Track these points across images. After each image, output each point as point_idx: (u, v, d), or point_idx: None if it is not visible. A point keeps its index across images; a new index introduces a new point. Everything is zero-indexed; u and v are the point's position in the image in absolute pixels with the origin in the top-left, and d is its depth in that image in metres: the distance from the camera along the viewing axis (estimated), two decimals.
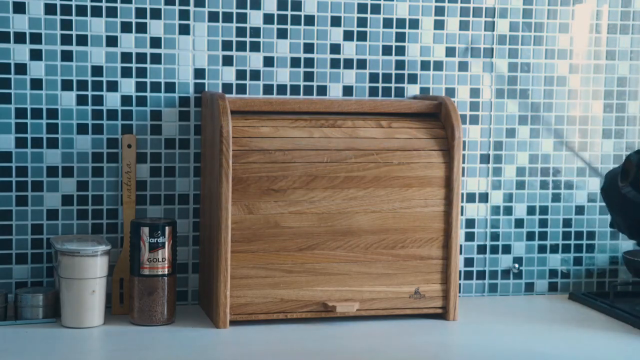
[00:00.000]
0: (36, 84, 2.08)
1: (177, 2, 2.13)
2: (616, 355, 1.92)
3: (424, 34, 2.27)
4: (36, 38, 2.07)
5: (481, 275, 2.34)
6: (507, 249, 2.35)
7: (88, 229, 2.12)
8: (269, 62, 2.19)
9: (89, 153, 2.12)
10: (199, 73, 2.16)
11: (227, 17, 2.16)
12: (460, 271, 2.27)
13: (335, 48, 2.23)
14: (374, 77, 2.25)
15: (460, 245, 2.27)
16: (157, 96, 2.14)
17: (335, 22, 2.22)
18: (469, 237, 2.32)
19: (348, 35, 2.23)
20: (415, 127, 2.10)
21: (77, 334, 1.94)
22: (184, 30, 2.14)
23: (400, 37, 2.26)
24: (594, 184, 2.39)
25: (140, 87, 2.13)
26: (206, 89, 2.16)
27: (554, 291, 2.38)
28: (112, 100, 2.12)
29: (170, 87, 2.14)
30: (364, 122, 2.08)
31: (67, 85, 2.09)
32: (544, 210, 2.36)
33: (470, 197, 2.32)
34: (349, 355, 1.87)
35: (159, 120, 2.14)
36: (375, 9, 2.24)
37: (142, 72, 2.13)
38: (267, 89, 2.20)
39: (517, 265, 2.35)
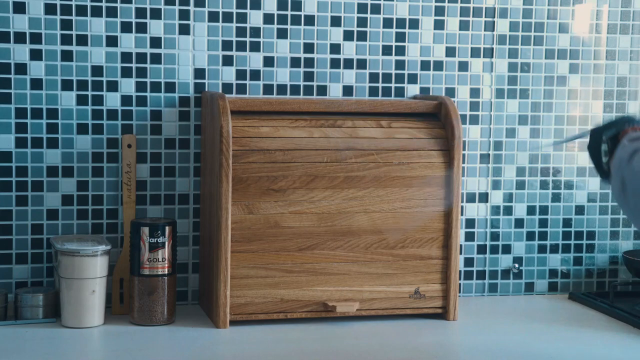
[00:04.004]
0: (36, 84, 2.08)
1: (177, 2, 2.13)
2: (616, 355, 1.92)
3: (424, 34, 2.27)
4: (36, 38, 2.07)
5: (481, 275, 2.34)
6: (507, 249, 2.35)
7: (88, 229, 2.12)
8: (269, 62, 2.19)
9: (89, 153, 2.12)
10: (199, 73, 2.16)
11: (227, 17, 2.16)
12: (460, 271, 2.27)
13: (335, 48, 2.23)
14: (374, 77, 2.25)
15: (460, 245, 2.27)
16: (157, 96, 2.14)
17: (335, 22, 2.22)
18: (469, 237, 2.32)
19: (348, 35, 2.23)
20: (415, 127, 2.10)
21: (77, 334, 1.94)
22: (184, 30, 2.14)
23: (400, 37, 2.26)
24: (594, 184, 2.39)
25: (140, 87, 2.13)
26: (206, 89, 2.16)
27: (554, 291, 2.38)
28: (112, 100, 2.12)
29: (170, 87, 2.15)
30: (364, 122, 2.08)
31: (67, 85, 2.09)
32: (544, 210, 2.36)
33: (470, 197, 2.32)
34: (349, 355, 1.87)
35: (159, 120, 2.14)
36: (375, 9, 2.24)
37: (142, 72, 2.13)
38: (267, 89, 2.20)
39: (517, 265, 2.35)
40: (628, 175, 1.57)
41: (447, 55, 2.28)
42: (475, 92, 2.31)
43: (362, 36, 2.24)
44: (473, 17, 2.29)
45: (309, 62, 2.21)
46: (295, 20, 2.20)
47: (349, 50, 2.24)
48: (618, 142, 1.69)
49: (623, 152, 1.63)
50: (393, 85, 2.26)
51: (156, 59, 2.13)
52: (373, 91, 2.25)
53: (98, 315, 1.99)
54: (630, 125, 1.71)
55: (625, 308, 2.18)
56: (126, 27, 2.11)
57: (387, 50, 2.25)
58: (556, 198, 2.37)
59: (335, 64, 2.23)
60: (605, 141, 1.72)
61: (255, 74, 2.19)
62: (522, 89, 2.33)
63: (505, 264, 2.35)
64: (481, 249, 2.34)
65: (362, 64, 2.24)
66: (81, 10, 2.09)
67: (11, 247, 2.10)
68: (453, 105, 2.10)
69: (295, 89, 2.21)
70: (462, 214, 2.28)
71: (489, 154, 2.33)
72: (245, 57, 2.18)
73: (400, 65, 2.26)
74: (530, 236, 2.36)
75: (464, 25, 2.29)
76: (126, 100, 2.12)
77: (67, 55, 2.09)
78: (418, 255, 2.08)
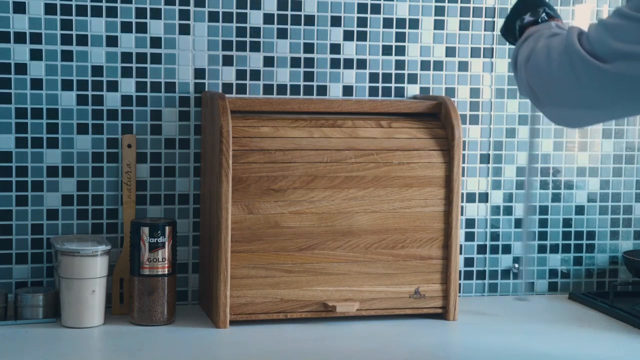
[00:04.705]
0: (36, 84, 2.08)
1: (177, 2, 2.13)
2: (616, 355, 1.92)
3: (424, 34, 2.27)
4: (36, 38, 2.07)
5: (481, 275, 2.34)
6: (507, 249, 2.35)
7: (88, 229, 2.12)
8: (269, 62, 2.19)
9: (89, 153, 2.12)
10: (199, 73, 2.16)
11: (227, 17, 2.16)
12: (460, 271, 2.27)
13: (335, 48, 2.23)
14: (374, 77, 2.25)
15: (460, 245, 2.27)
16: (157, 96, 2.14)
17: (335, 22, 2.22)
18: (469, 237, 2.32)
19: (348, 35, 2.23)
20: (415, 127, 2.10)
21: (77, 334, 1.94)
22: (184, 30, 2.14)
23: (400, 37, 2.26)
24: (594, 184, 2.39)
25: (140, 87, 2.13)
26: (206, 89, 2.16)
27: (554, 291, 2.38)
28: (112, 100, 2.12)
29: (170, 87, 2.15)
30: (364, 122, 2.08)
31: (67, 85, 2.09)
32: (544, 210, 2.36)
33: (470, 197, 2.32)
34: (349, 355, 1.87)
35: (159, 120, 2.14)
36: (375, 9, 2.24)
37: (142, 72, 2.13)
38: (267, 89, 2.20)
39: (517, 265, 2.35)
40: (540, 49, 1.61)
41: (447, 55, 2.28)
42: (475, 92, 2.31)
43: (362, 36, 2.24)
44: (473, 17, 2.29)
45: (309, 62, 2.21)
46: (295, 20, 2.20)
47: (349, 50, 2.24)
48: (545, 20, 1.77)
49: (548, 27, 1.70)
50: (393, 85, 2.26)
51: (156, 59, 2.13)
52: (373, 91, 2.25)
53: (98, 315, 1.99)
54: (559, 20, 1.79)
55: (625, 308, 2.18)
56: (126, 27, 2.11)
57: (387, 50, 2.25)
58: (556, 198, 2.37)
59: (335, 64, 2.23)
60: (539, 7, 1.79)
61: (255, 74, 2.19)
62: None
63: (505, 264, 2.35)
64: (481, 249, 2.34)
65: (362, 64, 2.24)
66: (81, 10, 2.09)
67: (11, 247, 2.10)
68: (453, 105, 2.10)
69: (295, 89, 2.21)
70: (462, 214, 2.28)
71: (489, 154, 2.33)
72: (245, 57, 2.18)
73: (400, 65, 2.26)
74: (530, 236, 2.36)
75: (464, 25, 2.29)
76: (126, 100, 2.12)
77: (67, 55, 2.09)
78: (418, 255, 2.08)
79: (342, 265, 2.05)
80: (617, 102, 1.52)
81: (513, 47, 1.80)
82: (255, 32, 2.18)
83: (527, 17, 1.80)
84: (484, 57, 2.30)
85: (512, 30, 1.83)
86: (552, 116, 1.66)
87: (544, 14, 1.79)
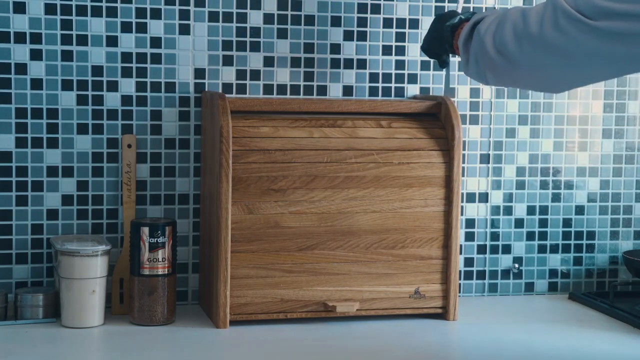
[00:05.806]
0: (36, 84, 2.08)
1: (177, 2, 2.13)
2: (616, 355, 1.92)
3: (423, 34, 2.26)
4: (36, 38, 2.07)
5: (481, 275, 2.34)
6: (507, 249, 2.35)
7: (88, 229, 2.12)
8: (269, 62, 2.19)
9: (89, 153, 2.12)
10: (199, 73, 2.16)
11: (227, 17, 2.16)
12: (460, 271, 2.27)
13: (335, 48, 2.23)
14: (374, 77, 2.25)
15: (460, 245, 2.27)
16: (157, 96, 2.14)
17: (335, 22, 2.22)
18: (469, 237, 2.32)
19: (348, 35, 2.23)
20: (415, 127, 2.10)
21: (77, 334, 1.94)
22: (184, 30, 2.14)
23: (400, 37, 2.26)
24: (594, 184, 2.39)
25: (140, 87, 2.13)
26: (206, 89, 2.16)
27: (554, 291, 2.38)
28: (112, 100, 2.12)
29: (170, 87, 2.15)
30: (364, 122, 2.08)
31: (67, 85, 2.09)
32: (544, 210, 2.36)
33: (470, 197, 2.32)
34: (349, 355, 1.87)
35: (159, 120, 2.14)
36: (375, 9, 2.24)
37: (142, 72, 2.13)
38: (267, 89, 2.20)
39: (517, 265, 2.35)
40: (512, 15, 1.64)
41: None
42: (475, 92, 2.31)
43: (362, 36, 2.24)
44: None
45: (309, 62, 2.21)
46: (295, 20, 2.20)
47: (349, 50, 2.24)
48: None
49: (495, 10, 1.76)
50: (393, 85, 2.26)
51: (156, 59, 2.13)
52: (373, 91, 2.25)
53: (98, 315, 1.99)
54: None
55: (625, 308, 2.18)
56: (126, 27, 2.11)
57: (387, 50, 2.25)
58: (556, 198, 2.37)
59: (335, 64, 2.23)
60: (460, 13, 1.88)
61: (255, 74, 2.19)
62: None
63: (505, 264, 2.35)
64: (481, 249, 2.34)
65: (362, 64, 2.24)
66: (81, 10, 2.09)
67: (11, 247, 2.10)
68: (453, 106, 2.10)
69: (295, 89, 2.21)
70: (462, 214, 2.28)
71: (489, 154, 2.33)
72: (245, 57, 2.18)
73: (400, 65, 2.26)
74: (530, 236, 2.36)
75: None
76: (126, 100, 2.12)
77: (67, 55, 2.09)
78: (418, 255, 2.08)
79: (342, 265, 2.05)
80: (600, 60, 1.53)
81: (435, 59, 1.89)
82: (255, 32, 2.18)
83: (457, 18, 1.85)
84: None
85: (440, 35, 1.87)
86: (526, 79, 1.67)
87: (468, 14, 1.84)
